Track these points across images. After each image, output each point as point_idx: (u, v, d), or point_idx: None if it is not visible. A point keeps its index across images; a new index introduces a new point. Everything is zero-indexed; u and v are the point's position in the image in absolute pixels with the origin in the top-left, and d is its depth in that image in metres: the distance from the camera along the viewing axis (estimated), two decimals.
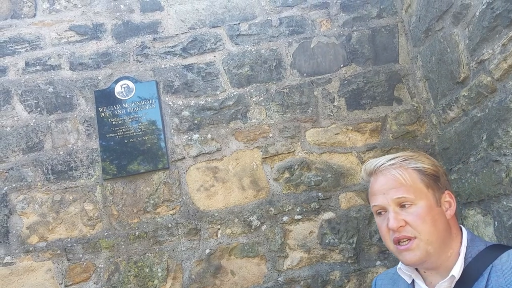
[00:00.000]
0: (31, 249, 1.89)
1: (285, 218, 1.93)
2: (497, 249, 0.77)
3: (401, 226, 0.78)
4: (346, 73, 2.09)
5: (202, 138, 2.03)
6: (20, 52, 2.14)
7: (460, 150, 1.73)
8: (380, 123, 2.02)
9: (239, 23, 2.16)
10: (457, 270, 0.77)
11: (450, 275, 0.77)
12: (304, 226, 1.93)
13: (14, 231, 1.92)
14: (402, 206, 0.80)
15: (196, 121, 2.06)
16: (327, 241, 1.89)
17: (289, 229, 1.93)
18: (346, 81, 2.08)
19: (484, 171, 1.54)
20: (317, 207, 1.94)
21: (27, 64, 2.11)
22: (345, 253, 1.87)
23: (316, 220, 1.93)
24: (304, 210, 1.94)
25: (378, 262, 1.87)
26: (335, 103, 2.06)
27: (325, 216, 1.93)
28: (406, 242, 0.78)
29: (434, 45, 1.81)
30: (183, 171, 2.00)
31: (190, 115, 2.06)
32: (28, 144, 2.00)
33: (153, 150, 1.99)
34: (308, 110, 2.06)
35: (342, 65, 2.10)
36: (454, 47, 1.64)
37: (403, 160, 0.84)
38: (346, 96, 2.07)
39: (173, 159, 2.01)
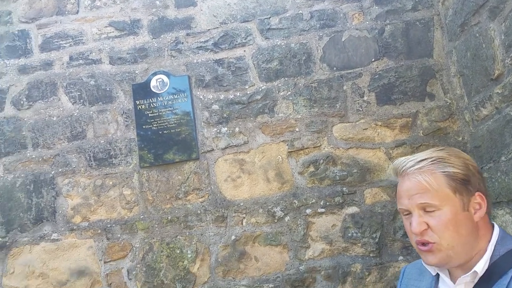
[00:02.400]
0: (75, 227, 2.21)
1: (308, 211, 2.09)
2: None
3: (424, 230, 0.82)
4: (377, 67, 2.17)
5: (230, 131, 2.23)
6: (65, 47, 2.44)
7: (491, 149, 1.78)
8: (410, 119, 2.09)
9: (269, 17, 2.30)
10: (480, 266, 0.81)
11: (472, 270, 0.81)
12: (327, 219, 2.08)
13: (60, 211, 2.25)
14: (426, 210, 0.83)
15: (225, 115, 2.25)
16: (349, 234, 2.03)
17: (312, 221, 2.08)
18: (377, 76, 2.17)
19: None
20: (341, 201, 2.08)
21: (71, 58, 2.41)
22: (368, 247, 2.00)
23: (339, 214, 2.07)
24: (327, 203, 2.08)
25: (401, 257, 1.98)
26: (365, 98, 2.16)
27: (349, 211, 2.06)
28: (428, 244, 0.83)
29: (469, 40, 1.85)
30: (212, 162, 2.21)
31: (220, 109, 2.26)
32: (72, 132, 2.31)
33: (186, 141, 2.22)
34: (337, 105, 2.18)
35: (373, 59, 2.18)
36: (490, 42, 1.68)
37: (432, 164, 0.84)
38: (377, 91, 2.16)
39: (202, 151, 2.22)
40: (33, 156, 2.32)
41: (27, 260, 2.22)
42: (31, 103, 2.39)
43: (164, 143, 2.21)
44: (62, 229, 2.22)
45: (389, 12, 2.19)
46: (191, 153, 2.20)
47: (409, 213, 0.86)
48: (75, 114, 2.33)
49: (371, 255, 2.00)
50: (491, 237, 0.84)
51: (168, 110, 2.27)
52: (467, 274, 0.82)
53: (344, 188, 2.09)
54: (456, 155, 0.87)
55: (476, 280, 0.81)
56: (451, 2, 2.00)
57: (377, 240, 2.00)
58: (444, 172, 0.83)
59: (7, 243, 2.24)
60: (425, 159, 0.86)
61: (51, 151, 2.31)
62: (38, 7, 2.54)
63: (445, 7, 2.08)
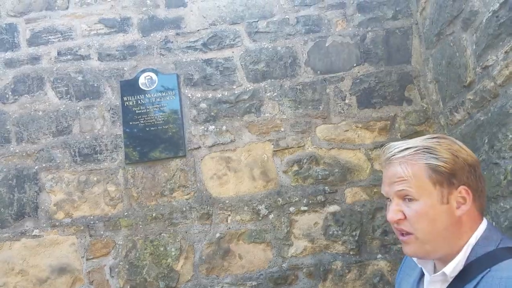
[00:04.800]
0: (57, 224, 2.19)
1: (291, 209, 2.14)
2: (508, 253, 0.76)
3: (400, 219, 0.82)
4: (358, 72, 2.27)
5: (218, 129, 2.27)
6: (53, 42, 2.43)
7: None
8: (389, 122, 2.19)
9: (257, 21, 2.37)
10: (450, 268, 0.79)
11: (441, 271, 0.80)
12: (309, 217, 2.13)
13: (42, 207, 2.22)
14: (404, 199, 0.82)
15: (212, 113, 2.29)
16: (330, 232, 2.09)
17: (295, 219, 2.14)
18: (358, 80, 2.26)
19: (485, 173, 1.70)
20: (323, 200, 2.14)
21: (59, 53, 2.40)
22: (348, 244, 2.07)
23: (321, 212, 2.13)
24: (310, 202, 2.14)
25: (379, 256, 2.05)
26: (346, 101, 2.25)
27: (330, 209, 2.13)
28: (406, 235, 0.82)
29: (444, 48, 1.97)
30: (199, 160, 2.24)
31: (207, 107, 2.30)
32: (58, 127, 2.30)
33: (173, 138, 2.24)
34: (320, 107, 2.26)
35: (355, 64, 2.28)
36: (463, 51, 1.80)
37: (415, 153, 0.82)
38: (358, 95, 2.25)
39: (189, 148, 2.25)
40: (17, 151, 2.29)
41: (6, 256, 2.18)
42: (16, 97, 2.36)
43: (151, 140, 2.23)
44: (44, 225, 2.19)
45: (371, 20, 2.29)
46: (177, 151, 2.22)
47: (390, 200, 0.86)
48: (62, 109, 2.31)
49: (351, 253, 2.06)
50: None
51: (156, 108, 2.29)
52: (437, 273, 0.82)
53: (326, 187, 2.16)
54: (446, 146, 0.83)
55: (450, 280, 0.80)
56: (428, 12, 2.12)
57: (356, 238, 2.07)
58: (426, 163, 0.81)
59: None
60: (410, 147, 0.84)
61: (35, 146, 2.28)
62: (27, 1, 2.53)
63: (422, 17, 2.20)
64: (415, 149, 0.83)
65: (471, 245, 0.80)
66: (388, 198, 0.87)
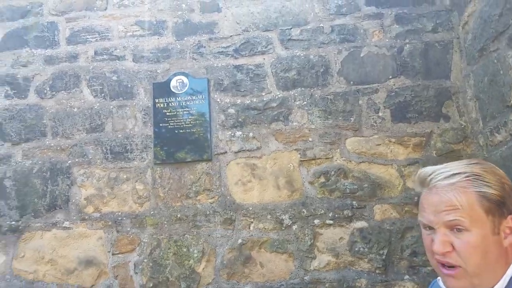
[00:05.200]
0: (86, 217, 2.27)
1: (316, 221, 2.12)
2: None
3: (447, 252, 0.76)
4: (394, 85, 2.20)
5: (244, 135, 2.27)
6: (91, 41, 2.52)
7: None
8: (424, 138, 2.12)
9: (291, 28, 2.35)
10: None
11: None
12: (334, 231, 2.10)
13: (73, 200, 2.31)
14: (453, 229, 0.76)
15: (240, 119, 2.30)
16: (356, 249, 2.05)
17: (319, 232, 2.11)
18: (393, 93, 2.20)
19: None
20: (350, 214, 2.10)
21: (95, 52, 2.49)
22: (374, 263, 2.01)
23: (347, 227, 2.09)
24: (336, 216, 2.11)
25: (407, 277, 1.99)
26: (380, 114, 2.19)
27: (357, 225, 2.08)
28: (454, 268, 0.76)
29: (487, 65, 1.87)
30: (224, 165, 2.25)
31: (235, 113, 2.31)
32: (91, 124, 2.38)
33: (199, 141, 2.27)
34: (351, 118, 2.21)
35: (390, 77, 2.21)
36: (507, 69, 1.70)
37: (466, 180, 0.77)
38: (392, 108, 2.19)
39: (216, 153, 2.27)
40: (52, 145, 2.39)
41: (37, 245, 2.28)
42: (54, 92, 2.47)
43: (178, 141, 2.27)
44: (74, 218, 2.28)
45: (409, 32, 2.22)
46: (202, 154, 2.25)
47: (432, 228, 0.79)
48: (96, 107, 2.39)
49: (377, 271, 2.01)
50: None
51: (185, 111, 2.32)
52: None
53: (354, 202, 2.11)
54: (492, 172, 0.79)
55: None
56: (471, 26, 2.02)
57: (384, 257, 2.02)
58: (479, 191, 0.76)
59: (20, 227, 2.31)
60: (459, 173, 0.78)
61: (69, 141, 2.37)
62: (68, 1, 2.63)
63: (465, 31, 2.11)
64: (465, 175, 0.77)
65: (509, 276, 0.76)
66: (429, 227, 0.81)
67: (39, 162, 2.38)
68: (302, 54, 2.33)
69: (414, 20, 2.22)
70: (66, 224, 2.28)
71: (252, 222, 2.16)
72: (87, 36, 2.53)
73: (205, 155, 2.24)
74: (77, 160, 2.35)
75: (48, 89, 2.48)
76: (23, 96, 2.50)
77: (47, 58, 2.54)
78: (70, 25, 2.57)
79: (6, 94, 2.52)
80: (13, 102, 2.50)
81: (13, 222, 2.32)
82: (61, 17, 2.61)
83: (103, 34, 2.51)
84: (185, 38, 2.41)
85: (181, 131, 2.30)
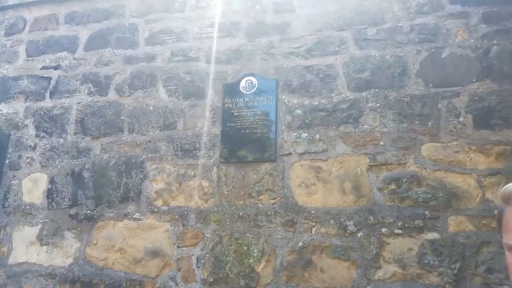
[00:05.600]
0: (155, 210, 3.06)
1: (383, 230, 2.57)
2: None
3: None
4: (478, 88, 2.58)
5: (310, 137, 2.85)
6: (168, 42, 3.39)
7: None
8: (509, 147, 2.44)
9: (367, 28, 2.90)
10: None
11: None
12: (403, 242, 2.53)
13: (145, 193, 3.13)
14: None
15: (307, 121, 2.89)
16: (426, 261, 2.45)
17: (386, 241, 2.56)
18: (476, 97, 2.58)
19: None
20: (421, 225, 2.51)
21: (172, 54, 3.34)
22: (444, 277, 2.39)
23: (417, 238, 2.50)
24: (406, 225, 2.54)
25: None
26: (460, 119, 2.58)
27: (429, 236, 2.48)
28: None
29: None
30: (288, 166, 2.85)
31: (302, 114, 2.91)
32: (165, 122, 3.21)
33: (264, 142, 2.91)
34: (428, 123, 2.64)
35: (474, 80, 2.60)
36: None
37: None
38: (474, 113, 2.56)
39: (280, 153, 2.89)
40: (128, 140, 3.27)
41: (109, 234, 3.14)
42: (131, 91, 3.38)
43: (242, 141, 2.95)
44: (144, 210, 3.09)
45: (498, 32, 2.59)
46: (264, 154, 2.88)
47: None
48: (169, 106, 3.22)
49: (447, 286, 2.38)
50: None
51: (251, 111, 3.00)
52: None
53: (426, 212, 2.52)
54: None
55: None
56: None
57: (455, 271, 2.38)
58: None
59: (95, 216, 3.20)
60: None
61: (144, 137, 3.23)
62: (149, 3, 3.57)
63: None
64: None
65: None
66: None
67: (116, 156, 3.27)
68: (377, 54, 2.85)
69: (504, 19, 2.59)
70: (137, 215, 3.11)
71: (314, 226, 2.70)
72: (165, 37, 3.42)
73: (267, 155, 2.88)
74: (150, 155, 3.18)
75: (126, 87, 3.41)
76: (104, 94, 3.47)
77: (127, 58, 3.49)
78: (149, 26, 3.50)
79: (89, 91, 3.52)
80: (95, 99, 3.48)
81: (89, 211, 3.23)
82: (141, 19, 3.56)
83: (180, 36, 3.36)
84: (257, 39, 3.12)
85: (247, 131, 2.97)
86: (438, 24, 2.74)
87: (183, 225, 2.96)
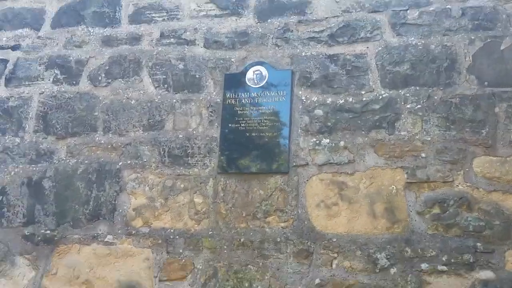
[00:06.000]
0: (133, 232, 3.10)
1: (424, 266, 2.59)
2: None
3: None
4: None
5: (333, 144, 2.89)
6: (157, 21, 3.47)
7: None
8: None
9: (407, 9, 2.97)
10: None
11: None
12: (449, 282, 2.54)
13: (120, 210, 3.17)
14: None
15: (329, 123, 2.93)
16: None
17: (427, 280, 2.57)
18: None
19: None
20: (471, 260, 2.52)
21: (161, 35, 3.42)
22: None
23: (466, 277, 2.52)
24: (452, 261, 2.55)
25: None
26: None
27: (481, 275, 2.50)
28: None
29: None
30: (304, 180, 2.89)
31: (324, 115, 2.96)
32: (149, 121, 3.26)
33: (271, 147, 2.95)
34: (483, 131, 2.68)
35: None
36: None
37: None
38: None
39: (294, 164, 2.93)
40: (102, 142, 3.33)
41: (73, 261, 3.18)
42: (109, 80, 3.45)
43: (247, 147, 2.99)
44: (119, 231, 3.13)
45: None
46: (273, 163, 2.92)
47: None
48: (156, 100, 3.29)
49: None
50: None
51: (260, 109, 3.05)
52: None
53: (479, 244, 2.53)
54: None
55: None
56: None
57: None
58: None
59: (56, 238, 3.24)
60: None
61: (122, 139, 3.29)
62: None
63: None
64: None
65: None
66: None
67: (86, 161, 3.33)
68: (419, 43, 2.91)
69: None
70: (109, 238, 3.15)
71: (335, 258, 2.72)
72: (153, 14, 3.50)
73: (276, 165, 2.91)
74: (129, 162, 3.23)
75: (103, 75, 3.48)
76: (74, 82, 3.54)
77: (105, 38, 3.57)
78: (135, 0, 3.58)
79: (55, 79, 3.59)
80: (62, 89, 3.55)
81: (48, 232, 3.27)
82: None
83: (172, 13, 3.45)
84: (269, 20, 3.20)
85: (252, 134, 3.01)
86: (496, 8, 2.80)
87: (167, 253, 2.99)
